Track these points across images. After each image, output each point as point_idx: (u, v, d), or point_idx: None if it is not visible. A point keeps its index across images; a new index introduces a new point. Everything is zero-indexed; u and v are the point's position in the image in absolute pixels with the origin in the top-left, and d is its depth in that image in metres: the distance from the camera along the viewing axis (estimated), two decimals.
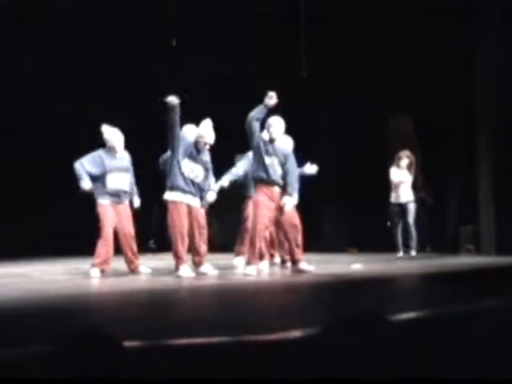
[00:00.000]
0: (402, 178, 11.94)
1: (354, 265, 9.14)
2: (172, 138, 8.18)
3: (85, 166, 8.47)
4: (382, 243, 12.42)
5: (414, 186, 13.46)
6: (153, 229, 14.85)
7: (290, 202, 8.27)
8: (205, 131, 8.40)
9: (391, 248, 12.56)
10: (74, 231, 12.70)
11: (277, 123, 8.48)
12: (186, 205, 8.25)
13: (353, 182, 13.28)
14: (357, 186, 13.13)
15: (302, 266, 8.40)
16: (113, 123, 8.73)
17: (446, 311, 4.72)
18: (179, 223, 8.12)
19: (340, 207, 13.89)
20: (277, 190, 8.32)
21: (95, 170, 8.52)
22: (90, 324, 4.42)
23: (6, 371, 3.29)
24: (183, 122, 8.41)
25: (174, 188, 8.19)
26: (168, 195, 8.24)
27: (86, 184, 8.40)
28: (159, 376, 3.30)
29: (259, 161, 8.30)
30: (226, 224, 12.69)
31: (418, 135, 13.75)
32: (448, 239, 12.91)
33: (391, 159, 12.18)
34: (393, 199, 12.01)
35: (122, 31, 12.43)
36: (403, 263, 10.24)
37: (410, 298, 5.98)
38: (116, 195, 8.59)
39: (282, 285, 7.73)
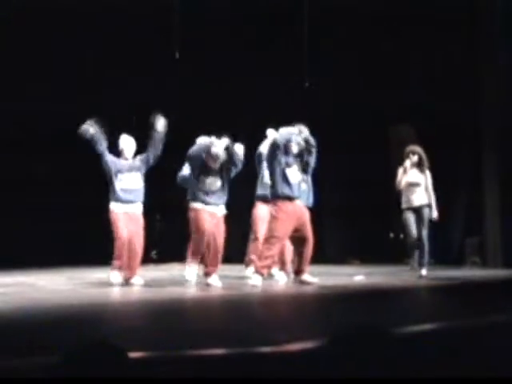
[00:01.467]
0: (411, 179, 10.04)
1: (357, 277, 9.20)
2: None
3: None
4: (385, 255, 12.47)
5: None
6: (155, 239, 14.88)
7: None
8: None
9: (394, 260, 12.61)
10: (80, 241, 12.74)
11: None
12: (209, 213, 8.47)
13: (354, 192, 13.30)
14: (358, 197, 13.15)
15: (306, 277, 8.47)
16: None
17: (450, 325, 4.76)
18: (202, 229, 8.36)
19: (342, 218, 13.91)
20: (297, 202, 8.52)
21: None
22: (96, 334, 4.48)
23: (12, 380, 3.35)
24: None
25: (195, 199, 8.54)
26: (191, 204, 8.56)
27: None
28: None
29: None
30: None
31: (422, 145, 13.78)
32: (453, 251, 12.89)
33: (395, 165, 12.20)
34: (403, 204, 10.08)
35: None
36: (406, 276, 10.25)
37: (412, 311, 6.03)
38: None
39: (286, 296, 7.78)
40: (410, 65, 12.81)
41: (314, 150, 8.63)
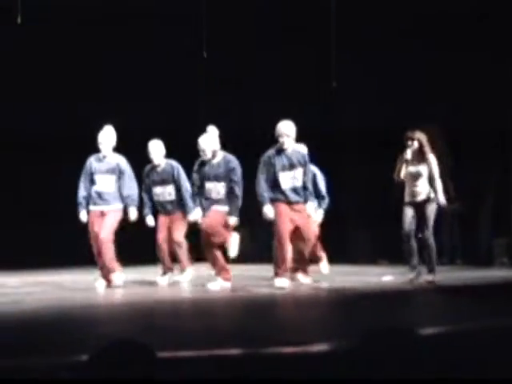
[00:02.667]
0: (413, 169, 8.69)
1: (385, 277, 9.17)
2: None
3: None
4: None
5: (447, 198, 13.44)
6: None
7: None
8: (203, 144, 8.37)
9: (422, 260, 12.54)
10: None
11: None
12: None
13: (381, 192, 13.24)
14: (386, 197, 13.10)
15: (299, 277, 8.52)
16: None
17: (473, 326, 4.76)
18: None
19: (371, 218, 13.86)
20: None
21: None
22: (123, 333, 4.51)
23: (41, 379, 3.40)
24: None
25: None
26: None
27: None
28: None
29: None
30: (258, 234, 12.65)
31: (450, 146, 13.73)
32: (482, 252, 12.81)
33: None
34: (406, 197, 8.74)
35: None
36: (435, 275, 10.21)
37: (439, 312, 6.02)
38: None
39: (313, 298, 7.76)
40: (439, 66, 12.74)
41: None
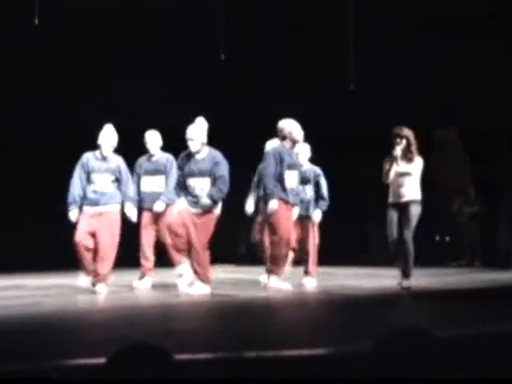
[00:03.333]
0: (400, 169, 8.10)
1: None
2: None
3: None
4: (431, 257, 12.39)
5: (466, 200, 13.45)
6: None
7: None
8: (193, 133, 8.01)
9: (439, 262, 12.59)
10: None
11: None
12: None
13: None
14: None
15: (271, 280, 8.15)
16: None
17: (490, 328, 4.73)
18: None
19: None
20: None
21: None
22: (139, 337, 4.51)
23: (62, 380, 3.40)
24: None
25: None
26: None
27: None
28: None
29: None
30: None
31: (468, 148, 13.68)
32: (500, 255, 12.79)
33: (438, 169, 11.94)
34: (390, 198, 8.18)
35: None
36: (451, 278, 10.20)
37: (457, 315, 5.98)
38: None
39: (328, 299, 7.72)
40: (456, 68, 12.69)
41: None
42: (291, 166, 8.17)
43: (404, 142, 8.08)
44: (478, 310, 6.20)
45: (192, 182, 7.83)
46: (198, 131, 7.84)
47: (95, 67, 12.51)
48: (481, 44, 12.18)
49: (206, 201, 7.69)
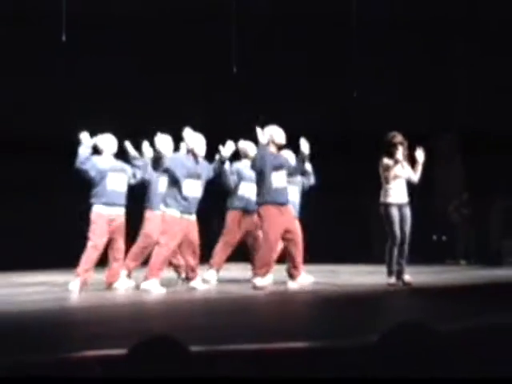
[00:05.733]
0: (401, 172, 8.05)
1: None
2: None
3: None
4: (429, 256, 12.33)
5: (461, 202, 13.40)
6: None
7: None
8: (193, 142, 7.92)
9: (436, 260, 12.52)
10: None
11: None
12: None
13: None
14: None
15: (257, 280, 7.79)
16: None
17: (485, 322, 4.64)
18: None
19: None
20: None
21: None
22: (158, 330, 4.45)
23: (80, 372, 3.32)
24: None
25: None
26: None
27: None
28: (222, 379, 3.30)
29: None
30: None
31: (461, 152, 13.61)
32: (492, 253, 12.76)
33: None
34: (392, 199, 7.97)
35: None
36: (449, 274, 10.12)
37: (452, 309, 5.87)
38: None
39: (328, 296, 7.60)
40: (450, 74, 12.61)
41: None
42: (278, 167, 7.89)
43: (405, 146, 8.03)
44: (473, 305, 6.13)
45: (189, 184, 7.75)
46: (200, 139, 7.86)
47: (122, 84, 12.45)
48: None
49: None
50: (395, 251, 7.86)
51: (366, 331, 3.93)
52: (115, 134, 8.13)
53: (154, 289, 7.44)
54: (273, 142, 8.00)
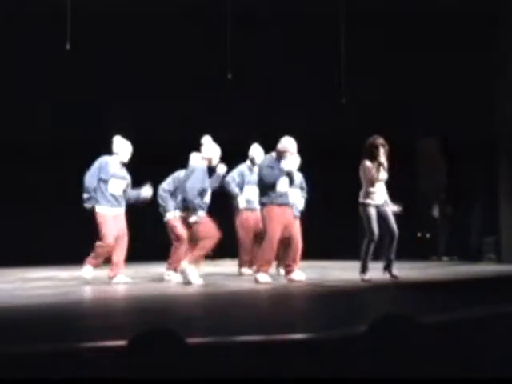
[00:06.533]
0: (384, 175, 8.01)
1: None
2: None
3: None
4: (413, 252, 12.39)
5: (443, 202, 13.48)
6: None
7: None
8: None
9: (420, 256, 12.61)
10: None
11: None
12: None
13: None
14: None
15: (294, 275, 8.06)
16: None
17: (466, 314, 4.68)
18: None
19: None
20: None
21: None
22: (157, 322, 4.47)
23: (80, 365, 3.35)
24: None
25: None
26: None
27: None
28: (218, 369, 3.34)
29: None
30: None
31: (444, 156, 13.68)
32: (472, 249, 12.81)
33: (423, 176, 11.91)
34: (372, 201, 7.93)
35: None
36: (432, 270, 10.18)
37: (434, 302, 5.93)
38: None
39: (318, 290, 7.64)
40: (431, 79, 12.63)
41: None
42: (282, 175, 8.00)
43: (386, 148, 7.97)
44: (454, 298, 6.17)
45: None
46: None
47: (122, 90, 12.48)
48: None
49: None
50: (371, 248, 7.88)
51: (356, 322, 3.97)
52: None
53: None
54: (277, 150, 8.09)
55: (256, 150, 9.57)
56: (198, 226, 7.77)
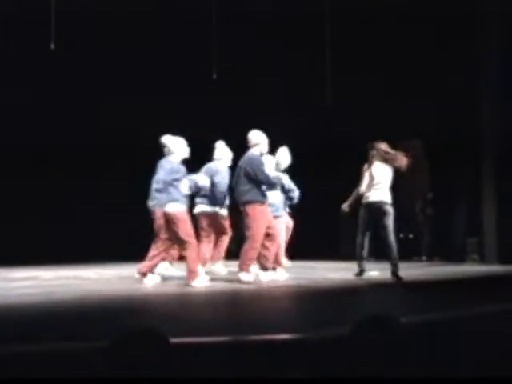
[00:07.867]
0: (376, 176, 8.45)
1: (371, 272, 9.06)
2: None
3: None
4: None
5: (426, 203, 13.53)
6: None
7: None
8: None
9: (403, 257, 12.56)
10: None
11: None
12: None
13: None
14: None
15: (242, 275, 7.88)
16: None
17: (450, 314, 4.69)
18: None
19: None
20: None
21: None
22: (141, 322, 4.45)
23: (67, 363, 3.32)
24: None
25: None
26: None
27: None
28: (199, 368, 3.32)
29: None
30: None
31: (428, 158, 13.71)
32: (456, 250, 12.86)
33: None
34: (370, 199, 8.40)
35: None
36: (415, 270, 10.20)
37: (418, 302, 5.94)
38: None
39: (303, 290, 7.63)
40: (415, 81, 12.66)
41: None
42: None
43: (376, 149, 8.38)
44: (437, 299, 6.19)
45: None
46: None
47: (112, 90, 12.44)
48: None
49: None
50: (366, 243, 8.36)
51: (340, 323, 3.97)
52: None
53: None
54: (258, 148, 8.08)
55: (283, 154, 9.18)
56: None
